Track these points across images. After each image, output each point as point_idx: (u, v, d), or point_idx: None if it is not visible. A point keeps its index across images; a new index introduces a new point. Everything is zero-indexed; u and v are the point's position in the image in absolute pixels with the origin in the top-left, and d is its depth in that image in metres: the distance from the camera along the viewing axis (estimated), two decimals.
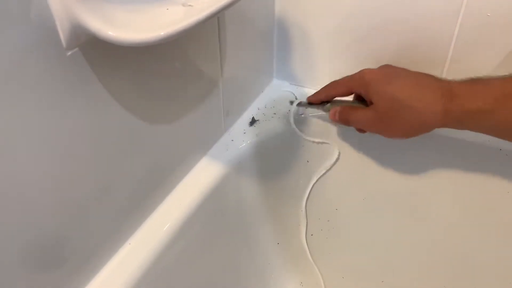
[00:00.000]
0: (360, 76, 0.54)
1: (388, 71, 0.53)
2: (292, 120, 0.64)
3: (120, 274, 0.44)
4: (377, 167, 0.64)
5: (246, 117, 0.65)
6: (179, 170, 0.54)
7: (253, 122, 0.65)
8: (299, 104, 0.64)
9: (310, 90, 0.70)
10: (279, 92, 0.70)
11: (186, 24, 0.35)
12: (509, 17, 0.53)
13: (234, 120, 0.64)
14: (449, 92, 0.47)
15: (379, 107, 0.51)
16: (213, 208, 0.55)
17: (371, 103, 0.52)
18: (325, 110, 0.60)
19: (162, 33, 0.35)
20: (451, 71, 0.59)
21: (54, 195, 0.37)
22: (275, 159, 0.65)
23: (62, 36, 0.33)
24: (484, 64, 0.57)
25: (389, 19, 0.59)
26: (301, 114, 0.65)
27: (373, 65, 0.55)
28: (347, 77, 0.56)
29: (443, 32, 0.57)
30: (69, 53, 0.34)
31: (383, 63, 0.55)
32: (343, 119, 0.57)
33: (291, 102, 0.65)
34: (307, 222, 0.70)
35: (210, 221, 0.55)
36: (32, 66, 0.32)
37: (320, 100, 0.60)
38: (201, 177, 0.55)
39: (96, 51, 0.36)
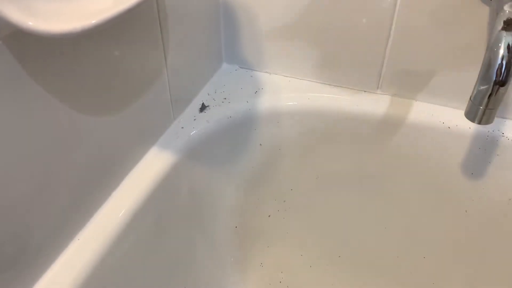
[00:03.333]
0: None
1: None
2: None
3: (69, 271, 0.43)
4: (325, 146, 0.65)
5: (196, 103, 0.65)
6: (127, 161, 0.53)
7: (203, 108, 0.64)
8: None
9: (260, 74, 0.70)
10: (229, 77, 0.70)
11: (116, 11, 0.34)
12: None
13: (184, 107, 0.63)
14: None
15: None
16: (165, 198, 0.55)
17: None
18: None
19: (93, 21, 0.34)
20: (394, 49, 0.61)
21: None
22: (227, 144, 0.65)
23: None
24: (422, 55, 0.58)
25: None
26: None
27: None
28: None
29: (383, 12, 0.58)
30: None
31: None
32: None
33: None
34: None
35: (163, 211, 0.55)
36: None
37: None
38: (151, 167, 0.54)
39: (24, 44, 0.35)
